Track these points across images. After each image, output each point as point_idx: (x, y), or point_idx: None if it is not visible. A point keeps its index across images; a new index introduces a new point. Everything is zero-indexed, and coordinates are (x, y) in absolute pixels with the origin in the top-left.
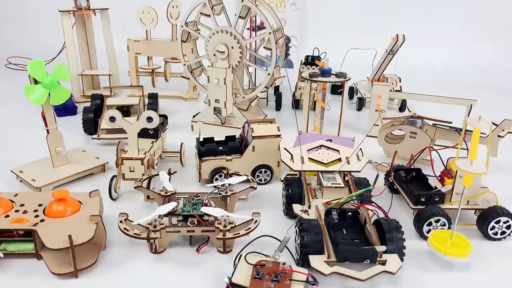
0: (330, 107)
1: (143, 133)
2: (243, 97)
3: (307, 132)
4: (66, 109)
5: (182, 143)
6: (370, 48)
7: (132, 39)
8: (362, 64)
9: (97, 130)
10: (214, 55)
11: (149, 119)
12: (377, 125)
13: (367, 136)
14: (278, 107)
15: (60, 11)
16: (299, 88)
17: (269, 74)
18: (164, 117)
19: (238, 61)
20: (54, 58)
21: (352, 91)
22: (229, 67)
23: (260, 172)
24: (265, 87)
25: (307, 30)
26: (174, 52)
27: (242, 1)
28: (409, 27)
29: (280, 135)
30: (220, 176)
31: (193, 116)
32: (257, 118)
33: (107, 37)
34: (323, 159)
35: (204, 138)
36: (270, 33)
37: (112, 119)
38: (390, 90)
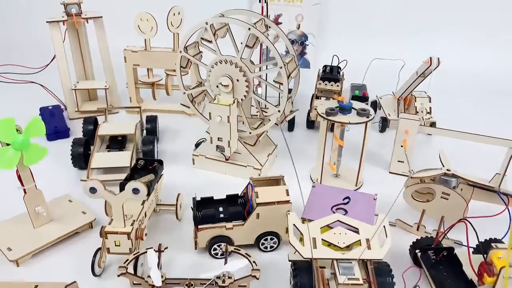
0: (349, 128)
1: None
2: (250, 133)
3: (320, 181)
4: (57, 133)
5: (178, 194)
6: (397, 59)
7: (129, 49)
8: (387, 75)
9: (88, 167)
10: (217, 86)
11: (135, 190)
12: (402, 162)
13: (390, 172)
14: (291, 127)
15: (48, 22)
16: (315, 109)
17: (279, 110)
18: (159, 162)
19: (245, 95)
20: (43, 68)
21: (375, 106)
22: (234, 102)
23: (266, 240)
24: (275, 124)
25: (327, 27)
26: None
27: (249, 29)
28: (439, 29)
29: (289, 200)
30: (219, 245)
31: (195, 146)
32: (266, 149)
33: (102, 47)
34: (339, 242)
35: (201, 198)
36: (281, 67)
37: (93, 190)
38: (420, 125)
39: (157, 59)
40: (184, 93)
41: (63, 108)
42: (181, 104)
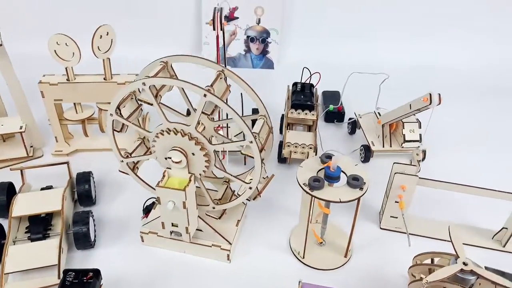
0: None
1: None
2: (213, 208)
3: (303, 255)
4: None
5: None
6: (379, 72)
7: (46, 82)
8: (365, 82)
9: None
10: (166, 159)
11: None
12: (395, 217)
13: (381, 228)
14: None
15: None
16: (288, 145)
17: (250, 188)
18: (95, 274)
19: (204, 170)
20: None
21: (354, 126)
22: (190, 181)
23: None
24: (247, 199)
25: (292, 22)
26: (110, 95)
27: (204, 95)
28: (420, 26)
29: None
30: None
31: (144, 210)
32: (234, 213)
33: (10, 80)
34: None
35: None
36: (251, 141)
37: None
38: (418, 177)
39: (85, 91)
40: (122, 161)
41: None
42: (119, 171)
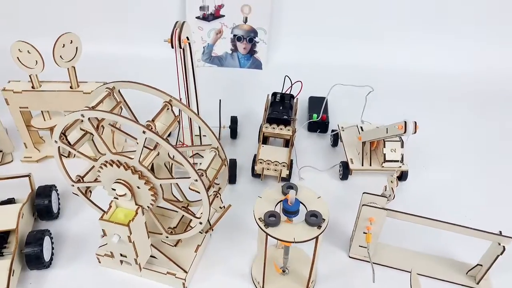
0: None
1: None
2: (167, 237)
3: (263, 285)
4: None
5: None
6: (365, 85)
7: (9, 89)
8: (354, 95)
9: None
10: (113, 189)
11: None
12: (364, 247)
13: (349, 257)
14: (233, 179)
15: None
16: (260, 161)
17: (200, 223)
18: None
19: (152, 204)
20: None
21: (336, 138)
22: (137, 215)
23: None
24: (200, 232)
25: (281, 22)
26: (77, 104)
27: (143, 132)
28: (414, 29)
29: None
30: None
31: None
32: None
33: None
34: None
35: None
36: (196, 180)
37: None
38: (387, 209)
39: (51, 100)
40: (73, 185)
41: None
42: (73, 193)
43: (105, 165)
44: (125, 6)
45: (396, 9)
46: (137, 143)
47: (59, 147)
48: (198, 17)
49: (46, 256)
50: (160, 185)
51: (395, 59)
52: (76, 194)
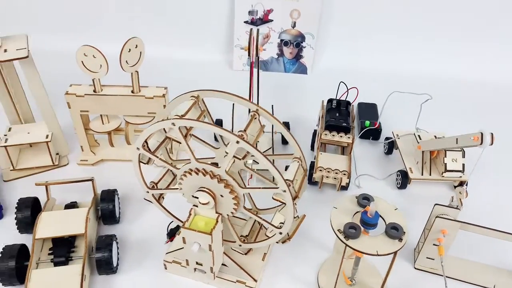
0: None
1: None
2: (240, 245)
3: None
4: None
5: None
6: (423, 93)
7: (72, 93)
8: (406, 102)
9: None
10: (193, 196)
11: None
12: (432, 259)
13: (415, 268)
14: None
15: None
16: (320, 169)
17: (280, 233)
18: None
19: (232, 212)
20: None
21: (391, 146)
22: (218, 223)
23: None
24: (276, 242)
25: (329, 27)
26: (137, 108)
27: (237, 142)
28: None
29: None
30: None
31: (168, 234)
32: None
33: (36, 91)
34: None
35: None
36: (284, 190)
37: None
38: (461, 222)
39: (112, 104)
40: (148, 192)
41: None
42: (144, 199)
43: (190, 173)
44: (174, 10)
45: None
46: (227, 153)
47: (139, 154)
48: (246, 22)
49: (114, 261)
50: (243, 194)
51: (443, 67)
52: (149, 201)
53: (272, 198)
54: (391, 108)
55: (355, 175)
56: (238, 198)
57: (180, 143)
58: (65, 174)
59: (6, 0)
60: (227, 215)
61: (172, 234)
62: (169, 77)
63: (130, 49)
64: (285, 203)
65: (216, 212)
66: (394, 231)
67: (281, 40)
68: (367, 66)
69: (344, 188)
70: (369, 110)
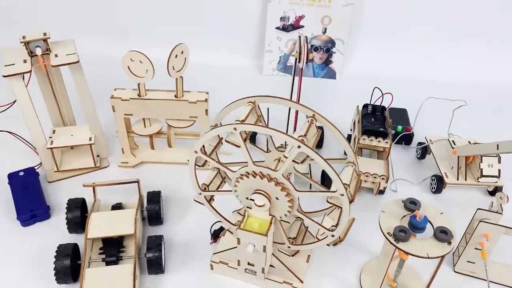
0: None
1: None
2: (288, 247)
3: None
4: (34, 217)
5: None
6: (458, 99)
7: (117, 97)
8: (437, 108)
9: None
10: (247, 198)
11: None
12: (473, 263)
13: (455, 271)
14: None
15: (5, 76)
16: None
17: (333, 235)
18: None
19: (286, 214)
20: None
21: (424, 151)
22: (272, 225)
23: None
24: (327, 244)
25: (359, 34)
26: (180, 113)
27: (299, 147)
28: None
29: None
30: None
31: (212, 236)
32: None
33: (83, 94)
34: None
35: None
36: (342, 194)
37: None
38: (506, 226)
39: (155, 108)
40: (200, 193)
41: (37, 168)
42: (194, 200)
43: (247, 176)
44: (205, 15)
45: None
46: (285, 157)
47: (197, 157)
48: (277, 28)
49: (163, 261)
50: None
51: (483, 74)
52: (199, 202)
53: (327, 201)
54: (420, 113)
55: (391, 179)
56: (293, 201)
57: (239, 146)
58: (106, 176)
59: (46, 6)
60: (280, 217)
61: (216, 235)
62: (199, 82)
63: (176, 55)
64: (340, 207)
65: (270, 215)
66: (443, 234)
67: (311, 46)
68: (395, 72)
69: (381, 192)
70: (399, 115)
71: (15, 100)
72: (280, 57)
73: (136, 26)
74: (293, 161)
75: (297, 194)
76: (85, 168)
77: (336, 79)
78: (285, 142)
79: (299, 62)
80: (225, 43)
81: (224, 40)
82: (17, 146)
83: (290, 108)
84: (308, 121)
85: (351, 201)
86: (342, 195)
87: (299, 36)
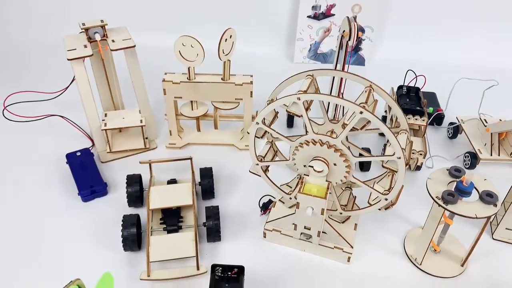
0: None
1: None
2: (341, 213)
3: (421, 262)
4: (94, 193)
5: None
6: (490, 79)
7: (169, 80)
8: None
9: (147, 260)
10: (305, 166)
11: None
12: (510, 230)
13: (493, 239)
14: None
15: (69, 60)
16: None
17: (386, 199)
18: (240, 270)
19: (342, 180)
20: (61, 92)
21: (456, 131)
22: (329, 189)
23: None
24: (378, 209)
25: (388, 21)
26: (226, 95)
27: (361, 112)
28: None
29: None
30: None
31: (261, 208)
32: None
33: (136, 78)
34: None
35: None
36: (399, 157)
37: None
38: None
39: (204, 91)
40: (257, 164)
41: (91, 150)
42: (250, 171)
43: (307, 144)
44: (238, 4)
45: None
46: (346, 124)
47: (257, 128)
48: (309, 16)
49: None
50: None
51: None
52: (255, 174)
53: (382, 166)
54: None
55: (427, 156)
56: (350, 167)
57: (300, 116)
58: (155, 156)
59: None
60: (336, 183)
61: (265, 207)
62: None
63: (226, 39)
64: (395, 171)
65: (326, 181)
66: (489, 197)
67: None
68: (423, 57)
69: (419, 168)
70: (429, 98)
71: (68, 86)
72: (311, 45)
73: (173, 14)
74: (353, 128)
75: (354, 160)
76: (135, 149)
77: (365, 66)
78: (338, 113)
79: (349, 40)
80: (257, 32)
81: (256, 29)
82: (66, 130)
83: (332, 85)
84: (366, 91)
85: (406, 164)
86: (399, 158)
87: (347, 17)
